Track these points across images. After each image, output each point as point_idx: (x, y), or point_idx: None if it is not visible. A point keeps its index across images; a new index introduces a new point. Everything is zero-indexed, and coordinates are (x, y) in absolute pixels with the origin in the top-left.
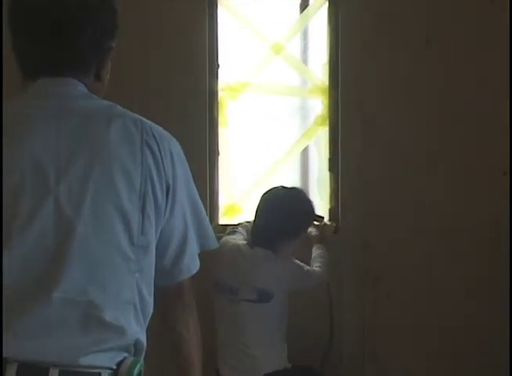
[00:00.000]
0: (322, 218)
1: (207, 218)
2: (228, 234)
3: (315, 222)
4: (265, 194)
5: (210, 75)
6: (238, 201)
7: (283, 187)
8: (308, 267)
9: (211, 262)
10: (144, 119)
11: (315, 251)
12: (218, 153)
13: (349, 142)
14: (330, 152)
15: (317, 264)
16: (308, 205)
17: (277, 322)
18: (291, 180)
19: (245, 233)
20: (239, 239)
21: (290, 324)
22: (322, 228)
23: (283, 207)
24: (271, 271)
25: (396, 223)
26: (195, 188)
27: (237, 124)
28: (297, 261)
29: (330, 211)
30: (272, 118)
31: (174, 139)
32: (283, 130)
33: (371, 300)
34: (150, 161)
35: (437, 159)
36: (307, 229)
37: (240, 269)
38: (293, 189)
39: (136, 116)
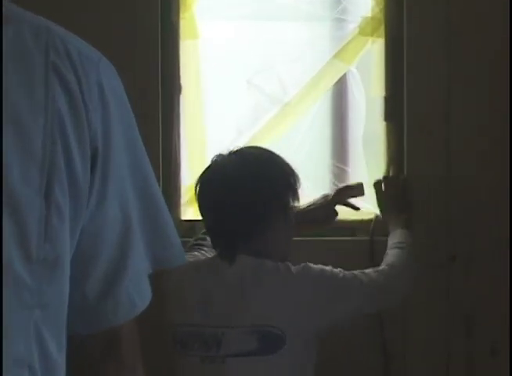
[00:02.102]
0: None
1: (167, 211)
2: (189, 251)
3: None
4: (203, 174)
5: None
6: None
7: (230, 152)
8: (345, 273)
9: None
10: (54, 25)
11: (391, 240)
12: (180, 89)
13: (423, 68)
14: (387, 87)
15: (391, 258)
16: (277, 165)
17: None
18: (313, 139)
19: None
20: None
21: None
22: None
23: (235, 182)
24: (274, 292)
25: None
26: (145, 154)
27: (214, 34)
28: (318, 265)
29: None
30: (277, 23)
31: (108, 62)
32: (298, 45)
33: (464, 356)
34: (62, 103)
35: None
36: (286, 202)
37: (219, 300)
38: (240, 150)
39: (41, 20)
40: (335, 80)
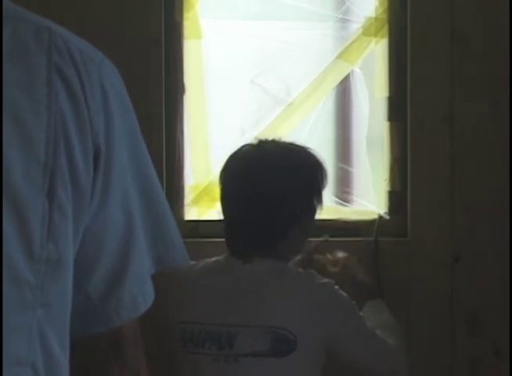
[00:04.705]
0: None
1: (170, 211)
2: None
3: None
4: (227, 163)
5: None
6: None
7: (260, 141)
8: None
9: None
10: (55, 25)
11: (369, 313)
12: (184, 88)
13: (427, 68)
14: (391, 87)
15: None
16: (311, 160)
17: None
18: (316, 139)
19: None
20: None
21: None
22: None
23: (269, 175)
24: (293, 296)
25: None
26: (147, 155)
27: (218, 34)
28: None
29: (391, 196)
30: (281, 22)
31: (109, 63)
32: (301, 45)
33: (467, 356)
34: (64, 103)
35: None
36: (316, 203)
37: (233, 300)
38: (269, 143)
39: (41, 20)
40: (338, 80)
